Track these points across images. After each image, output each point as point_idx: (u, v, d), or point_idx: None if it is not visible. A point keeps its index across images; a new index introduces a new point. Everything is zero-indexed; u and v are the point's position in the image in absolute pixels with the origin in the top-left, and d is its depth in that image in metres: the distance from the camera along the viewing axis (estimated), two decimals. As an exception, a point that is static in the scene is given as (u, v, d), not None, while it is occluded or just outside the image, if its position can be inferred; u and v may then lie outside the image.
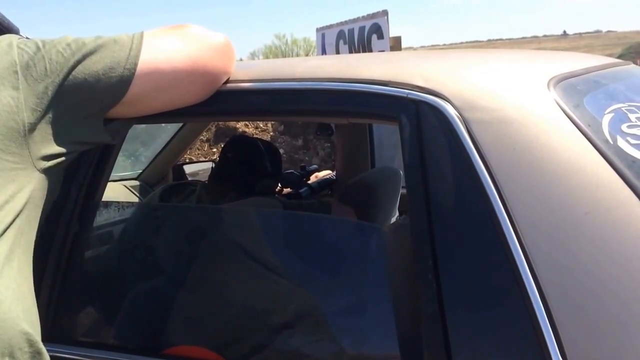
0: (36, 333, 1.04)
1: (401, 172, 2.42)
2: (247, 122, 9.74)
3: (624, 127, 1.10)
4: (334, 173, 3.12)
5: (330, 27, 8.56)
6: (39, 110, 1.07)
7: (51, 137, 1.10)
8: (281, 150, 8.88)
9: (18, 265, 1.05)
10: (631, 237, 0.96)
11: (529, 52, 1.77)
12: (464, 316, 1.04)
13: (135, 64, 1.14)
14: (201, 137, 8.58)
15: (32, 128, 1.06)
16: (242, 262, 1.50)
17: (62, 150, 1.12)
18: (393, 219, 2.35)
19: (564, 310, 0.95)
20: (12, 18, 1.25)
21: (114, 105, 1.16)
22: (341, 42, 8.13)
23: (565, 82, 1.20)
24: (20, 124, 1.05)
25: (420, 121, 1.13)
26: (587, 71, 1.35)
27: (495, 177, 1.03)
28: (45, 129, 1.09)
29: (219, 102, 1.32)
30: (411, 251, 1.10)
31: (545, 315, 0.95)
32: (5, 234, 1.02)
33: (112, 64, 1.12)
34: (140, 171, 3.54)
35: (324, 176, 3.10)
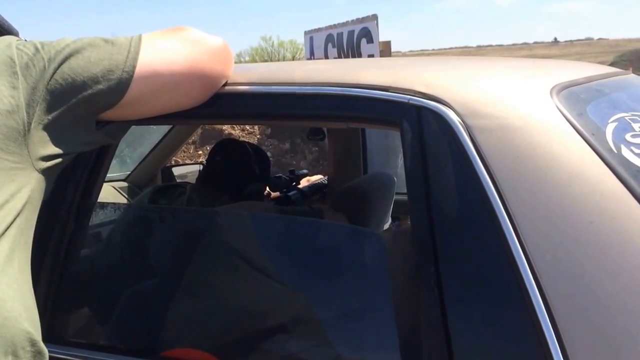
0: (37, 333, 1.03)
1: (395, 178, 2.41)
2: (234, 125, 9.73)
3: (628, 137, 1.10)
4: (326, 178, 3.11)
5: (319, 30, 8.56)
6: (39, 111, 1.07)
7: (50, 138, 1.10)
8: (268, 154, 8.84)
9: (19, 264, 1.05)
10: (636, 246, 0.95)
11: (530, 60, 1.77)
12: (467, 324, 1.03)
13: (134, 67, 1.14)
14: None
15: (32, 128, 1.06)
16: (240, 266, 1.49)
17: (60, 151, 1.12)
18: (386, 226, 2.35)
19: (569, 319, 0.94)
20: (12, 18, 1.24)
21: (112, 108, 1.16)
22: (330, 45, 8.13)
23: (568, 91, 1.19)
24: (21, 123, 1.04)
25: (422, 127, 1.12)
26: (589, 80, 1.35)
27: (498, 185, 1.02)
28: (44, 130, 1.08)
29: (216, 105, 1.31)
30: (411, 258, 1.09)
31: (550, 324, 0.94)
32: (6, 233, 1.02)
33: (110, 66, 1.12)
34: (129, 173, 3.52)
35: (315, 181, 3.08)
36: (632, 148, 1.07)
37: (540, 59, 1.91)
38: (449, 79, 1.22)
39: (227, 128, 9.70)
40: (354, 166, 2.94)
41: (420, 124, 1.12)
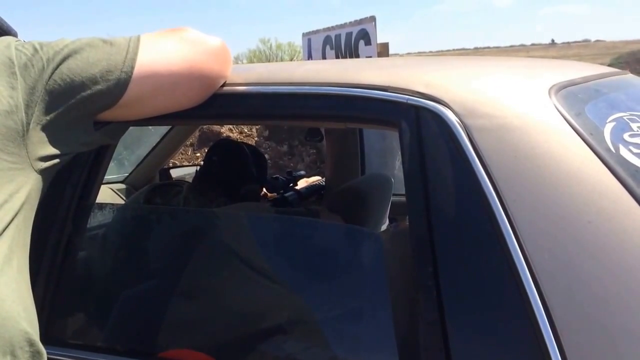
0: (35, 333, 1.04)
1: (392, 179, 2.41)
2: (231, 127, 9.73)
3: (626, 136, 1.10)
4: (323, 179, 3.10)
5: (316, 32, 8.54)
6: (37, 111, 1.07)
7: (49, 138, 1.10)
8: (266, 156, 8.83)
9: (18, 264, 1.05)
10: (634, 246, 0.95)
11: (528, 59, 1.77)
12: (465, 324, 1.03)
13: (132, 67, 1.14)
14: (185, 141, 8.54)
15: (30, 128, 1.06)
16: (237, 266, 1.49)
17: (59, 151, 1.12)
18: (383, 227, 2.34)
19: (566, 318, 0.94)
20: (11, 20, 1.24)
21: (111, 108, 1.16)
22: (328, 47, 8.11)
23: (566, 90, 1.19)
24: (19, 124, 1.05)
25: (421, 127, 1.12)
26: (587, 80, 1.35)
27: (496, 185, 1.02)
28: (43, 130, 1.09)
29: (215, 106, 1.31)
30: (409, 258, 1.09)
31: (548, 324, 0.94)
32: (5, 233, 1.02)
33: (109, 67, 1.13)
34: (127, 174, 3.52)
35: (313, 182, 3.08)
36: (631, 147, 1.07)
37: (538, 58, 1.91)
38: (448, 79, 1.22)
39: (225, 130, 9.70)
40: (352, 167, 2.94)
41: (419, 124, 1.12)
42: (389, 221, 2.49)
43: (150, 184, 3.28)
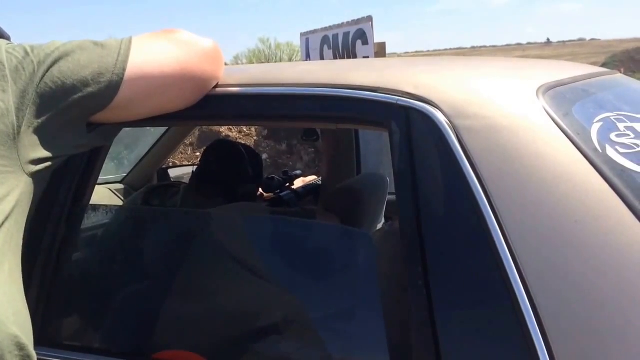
0: (26, 337, 1.04)
1: (388, 179, 2.42)
2: (230, 127, 9.73)
3: (612, 136, 1.11)
4: (320, 179, 3.10)
5: (314, 32, 8.57)
6: (28, 114, 1.07)
7: (40, 141, 1.10)
8: (265, 155, 8.87)
9: (9, 268, 1.05)
10: (620, 245, 0.96)
11: (517, 60, 1.78)
12: (455, 324, 1.04)
13: (124, 69, 1.14)
14: (185, 141, 8.55)
15: (21, 132, 1.06)
16: (230, 267, 1.49)
17: (51, 154, 1.12)
18: (379, 226, 2.35)
19: (554, 316, 0.95)
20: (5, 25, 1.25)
21: (103, 110, 1.16)
22: (325, 47, 8.13)
23: (554, 91, 1.20)
24: (10, 127, 1.04)
25: (410, 128, 1.13)
26: (575, 80, 1.36)
27: (485, 185, 1.03)
28: (34, 133, 1.09)
29: (207, 107, 1.32)
30: (400, 258, 1.10)
31: (536, 323, 0.95)
32: None
33: (100, 69, 1.12)
34: (125, 175, 3.52)
35: (310, 181, 3.08)
36: (617, 147, 1.08)
37: (527, 58, 1.92)
38: (437, 79, 1.22)
39: (224, 130, 9.70)
40: (348, 167, 2.94)
41: (408, 125, 1.13)
42: (385, 220, 2.49)
43: (147, 185, 3.28)
